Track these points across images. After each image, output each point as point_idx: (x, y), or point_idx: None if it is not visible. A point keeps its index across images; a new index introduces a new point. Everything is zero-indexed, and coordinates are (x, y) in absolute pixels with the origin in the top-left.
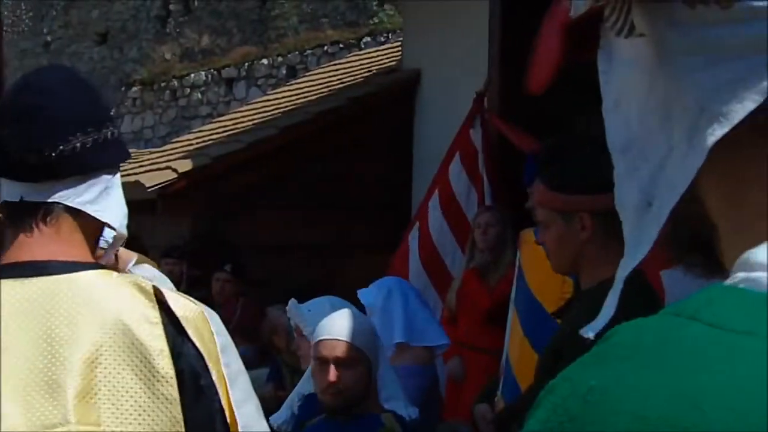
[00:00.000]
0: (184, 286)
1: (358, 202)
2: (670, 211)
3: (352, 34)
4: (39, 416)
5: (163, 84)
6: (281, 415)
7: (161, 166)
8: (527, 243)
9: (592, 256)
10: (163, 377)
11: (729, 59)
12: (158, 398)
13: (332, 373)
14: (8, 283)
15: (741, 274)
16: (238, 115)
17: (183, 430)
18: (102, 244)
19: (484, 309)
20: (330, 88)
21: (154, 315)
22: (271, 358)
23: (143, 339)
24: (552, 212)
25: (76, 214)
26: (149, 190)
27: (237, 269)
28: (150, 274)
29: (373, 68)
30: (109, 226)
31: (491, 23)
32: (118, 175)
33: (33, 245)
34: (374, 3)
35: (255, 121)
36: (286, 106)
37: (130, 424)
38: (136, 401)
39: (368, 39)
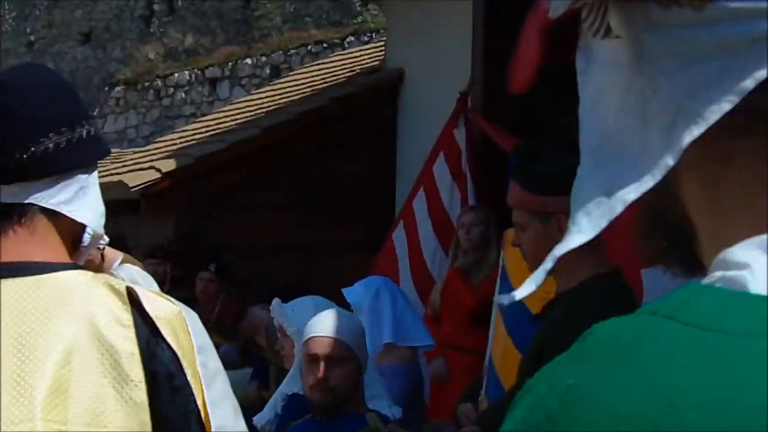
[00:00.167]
0: (168, 286)
1: (341, 202)
2: (627, 204)
3: (335, 33)
4: (8, 415)
5: (146, 84)
6: (265, 415)
7: (144, 166)
8: (511, 243)
9: (570, 257)
10: (132, 381)
11: (704, 60)
12: (127, 402)
13: (322, 370)
14: None
15: (718, 273)
16: (222, 114)
17: None
18: (85, 242)
19: (468, 309)
20: (313, 88)
21: (126, 317)
22: (253, 357)
23: (114, 342)
24: (528, 214)
25: (52, 214)
26: (132, 189)
27: (221, 269)
28: (132, 274)
29: (356, 68)
30: (85, 226)
31: (474, 23)
32: (95, 173)
33: (8, 247)
34: (358, 3)
35: (238, 121)
36: (270, 106)
37: (97, 426)
38: (104, 403)
39: (352, 38)
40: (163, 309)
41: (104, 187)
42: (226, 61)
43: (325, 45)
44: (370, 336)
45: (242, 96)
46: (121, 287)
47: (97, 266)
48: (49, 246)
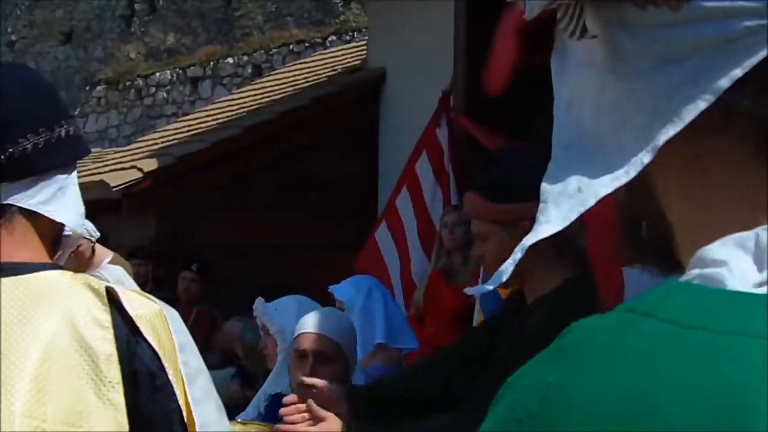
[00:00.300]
0: (150, 285)
1: (323, 201)
2: (599, 198)
3: (317, 33)
4: None
5: (128, 83)
6: (248, 415)
7: (126, 166)
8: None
9: (539, 264)
10: (110, 382)
11: (680, 60)
12: (104, 403)
13: (309, 367)
14: None
15: (695, 271)
16: (203, 114)
17: None
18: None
19: (451, 309)
20: (295, 87)
21: (105, 318)
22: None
23: (92, 343)
24: (491, 224)
25: (30, 215)
26: (114, 189)
27: (203, 269)
28: (119, 275)
29: (338, 67)
30: (64, 226)
31: (456, 22)
32: (74, 173)
33: None
34: (339, 2)
35: (220, 121)
36: (251, 106)
37: (75, 425)
38: (82, 403)
39: (333, 38)
40: (144, 308)
41: (85, 187)
42: (208, 61)
43: (306, 44)
44: (362, 335)
45: (224, 95)
46: (101, 287)
47: (88, 259)
48: (28, 246)
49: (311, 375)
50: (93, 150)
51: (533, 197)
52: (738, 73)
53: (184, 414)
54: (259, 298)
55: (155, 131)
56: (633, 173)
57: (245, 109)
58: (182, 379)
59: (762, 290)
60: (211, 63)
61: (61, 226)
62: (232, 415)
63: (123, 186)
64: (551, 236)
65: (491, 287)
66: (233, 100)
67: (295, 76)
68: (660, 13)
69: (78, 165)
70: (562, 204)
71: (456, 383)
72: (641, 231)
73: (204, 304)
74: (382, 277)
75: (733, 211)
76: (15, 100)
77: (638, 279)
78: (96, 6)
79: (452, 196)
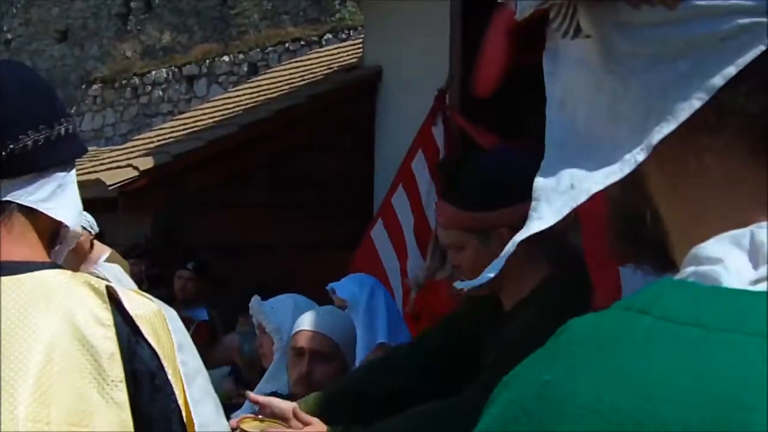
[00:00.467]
0: (146, 285)
1: (319, 199)
2: (591, 194)
3: (313, 31)
4: None
5: (123, 81)
6: (243, 413)
7: (122, 164)
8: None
9: (515, 269)
10: (113, 380)
11: (673, 59)
12: (107, 402)
13: (306, 364)
14: None
15: (690, 269)
16: (199, 112)
17: None
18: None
19: (447, 307)
20: (291, 86)
21: (106, 316)
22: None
23: (94, 341)
24: (464, 233)
25: (29, 212)
26: (110, 188)
27: (199, 267)
28: (116, 273)
29: (334, 65)
30: (63, 224)
31: (452, 20)
32: (73, 171)
33: None
34: (336, 0)
35: (216, 119)
36: (247, 104)
37: (80, 425)
38: (86, 402)
39: (330, 36)
40: (143, 307)
41: (81, 185)
42: (204, 59)
43: (302, 42)
44: (365, 334)
45: (220, 94)
46: (101, 286)
47: (86, 253)
48: (27, 244)
49: (308, 373)
50: (89, 148)
51: (506, 203)
52: (732, 71)
53: (183, 414)
54: (255, 296)
55: (151, 130)
56: (627, 170)
57: (241, 108)
58: (181, 379)
59: (757, 288)
60: (207, 61)
61: (59, 223)
62: (227, 415)
63: (119, 184)
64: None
65: (481, 282)
66: (229, 98)
67: (291, 74)
68: (654, 12)
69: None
70: (554, 200)
71: (415, 380)
72: (634, 229)
73: (200, 304)
74: (378, 276)
75: (728, 209)
76: (14, 97)
77: (632, 278)
78: (92, 4)
79: None
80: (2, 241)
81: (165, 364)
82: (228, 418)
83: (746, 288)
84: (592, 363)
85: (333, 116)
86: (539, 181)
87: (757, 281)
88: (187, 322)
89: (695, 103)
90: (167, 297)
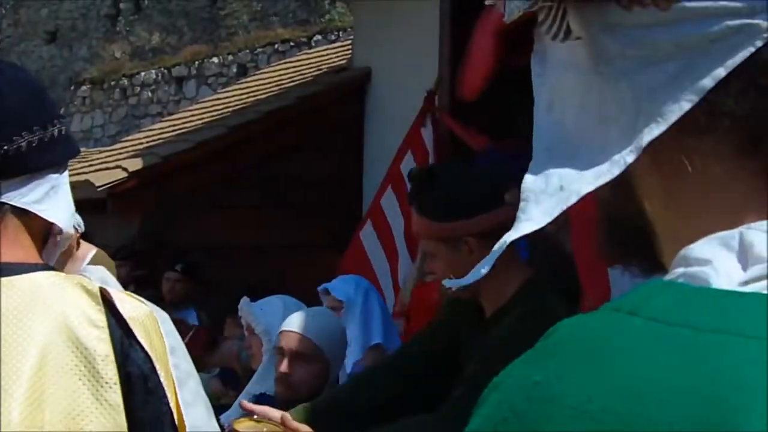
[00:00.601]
0: (133, 286)
1: (308, 201)
2: (581, 196)
3: (302, 32)
4: None
5: (112, 83)
6: (232, 414)
7: (111, 166)
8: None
9: (490, 277)
10: (107, 383)
11: (664, 60)
12: (102, 404)
13: (284, 364)
14: None
15: (679, 270)
16: (188, 114)
17: None
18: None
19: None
20: (280, 87)
21: (100, 318)
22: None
23: (88, 343)
24: (436, 242)
25: (23, 214)
26: (99, 189)
27: (188, 269)
28: (103, 275)
29: (323, 67)
30: (56, 226)
31: (441, 21)
32: (66, 173)
33: None
34: (326, 1)
35: (205, 120)
36: (236, 105)
37: (71, 428)
38: (80, 405)
39: (319, 37)
40: (136, 310)
41: (70, 187)
42: (193, 60)
43: (291, 44)
44: (361, 335)
45: (209, 95)
46: (95, 288)
47: (72, 251)
48: (20, 246)
49: (288, 374)
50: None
51: (471, 213)
52: (721, 72)
53: (175, 417)
54: (245, 297)
55: (140, 131)
56: (616, 172)
57: (230, 109)
58: (173, 382)
59: (746, 289)
60: (196, 62)
61: (50, 225)
62: (215, 416)
63: (108, 186)
64: (490, 245)
65: (469, 281)
66: (218, 99)
67: (280, 75)
68: (645, 13)
69: None
70: (544, 202)
71: (400, 392)
72: (623, 230)
73: (189, 305)
74: (368, 277)
75: (717, 210)
76: (8, 98)
77: (620, 279)
78: (81, 5)
79: None
80: None
81: (157, 366)
82: (216, 419)
83: (735, 289)
84: (581, 364)
85: (322, 117)
86: (527, 183)
87: (746, 282)
88: (177, 324)
89: (685, 104)
90: (155, 299)
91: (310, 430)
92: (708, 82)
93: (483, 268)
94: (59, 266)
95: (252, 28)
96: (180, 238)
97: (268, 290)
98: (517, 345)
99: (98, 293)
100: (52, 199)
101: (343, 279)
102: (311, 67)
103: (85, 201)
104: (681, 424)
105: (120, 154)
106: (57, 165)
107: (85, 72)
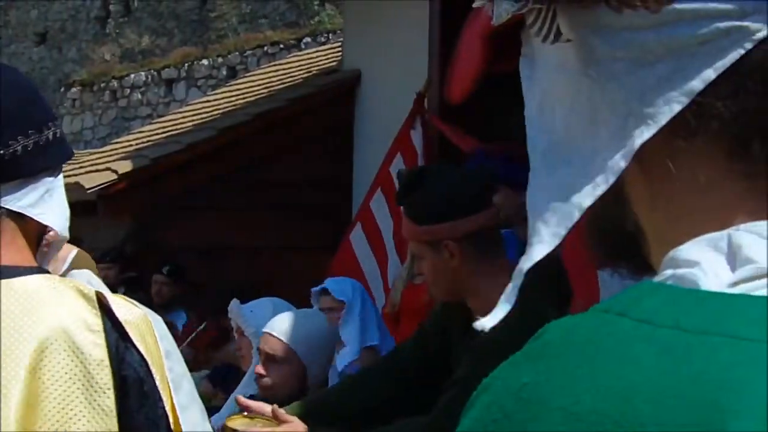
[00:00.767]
0: (123, 289)
1: (298, 203)
2: (584, 210)
3: (292, 34)
4: None
5: (102, 85)
6: (222, 416)
7: (101, 168)
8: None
9: (474, 280)
10: (101, 388)
11: (654, 62)
12: (94, 408)
13: (259, 366)
14: None
15: (668, 271)
16: (178, 116)
17: None
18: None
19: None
20: (270, 89)
21: (96, 322)
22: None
23: (83, 347)
24: (420, 244)
25: (18, 217)
26: (89, 191)
27: (174, 271)
28: (90, 279)
29: (313, 69)
30: (51, 230)
31: (431, 23)
32: (60, 176)
33: None
34: (315, 3)
35: (195, 122)
36: (226, 107)
37: (65, 430)
38: (72, 409)
39: (308, 39)
40: (131, 313)
41: None
42: (183, 62)
43: (281, 46)
44: (359, 336)
45: (198, 97)
46: (90, 292)
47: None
48: (16, 249)
49: (263, 375)
50: None
51: (449, 217)
52: (711, 75)
53: (171, 420)
54: (235, 299)
55: (130, 133)
56: (612, 179)
57: (220, 111)
58: (168, 386)
59: (735, 290)
60: (186, 65)
61: (44, 228)
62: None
63: (98, 188)
64: (470, 250)
65: (497, 320)
66: (208, 101)
67: (269, 78)
68: (635, 16)
69: None
70: (550, 220)
71: (390, 396)
72: (611, 232)
73: (179, 308)
74: (357, 279)
75: (706, 212)
76: (4, 101)
77: (609, 282)
78: (71, 7)
79: None
80: None
81: (153, 370)
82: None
83: (724, 291)
84: (570, 365)
85: (312, 120)
86: (531, 200)
87: (734, 284)
88: (168, 326)
89: (675, 106)
90: (145, 302)
91: (301, 423)
92: (697, 84)
93: (506, 306)
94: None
95: (241, 30)
96: (170, 240)
97: (259, 292)
98: (507, 346)
99: (94, 297)
100: (47, 203)
101: (336, 281)
102: (301, 70)
103: (75, 203)
104: (670, 425)
105: (110, 156)
106: (52, 168)
107: (75, 74)
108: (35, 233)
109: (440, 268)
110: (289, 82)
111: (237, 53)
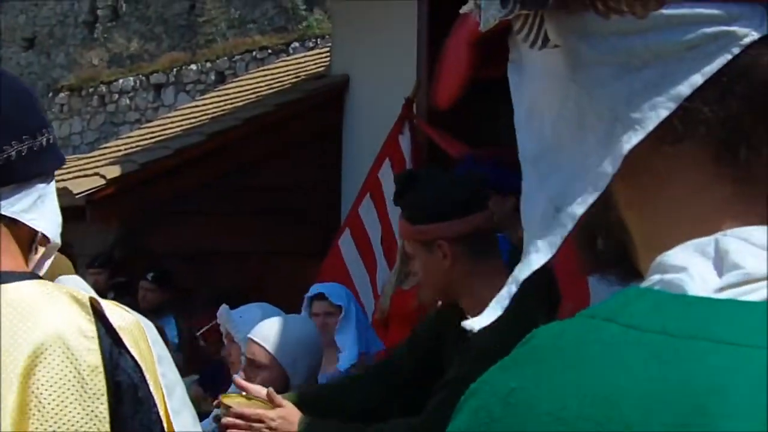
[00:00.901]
0: (112, 294)
1: (286, 208)
2: (577, 218)
3: (280, 39)
4: None
5: (90, 90)
6: (210, 423)
7: (89, 173)
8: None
9: (467, 282)
10: (94, 394)
11: (641, 67)
12: (88, 414)
13: (240, 372)
14: None
15: (656, 277)
16: (167, 121)
17: None
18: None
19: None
20: (258, 94)
21: (90, 328)
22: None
23: (78, 354)
24: (414, 244)
25: (11, 223)
26: (77, 196)
27: (159, 277)
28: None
29: (301, 74)
30: (44, 235)
31: (419, 28)
32: (53, 182)
33: None
34: (304, 8)
35: (183, 127)
36: (215, 112)
37: None
38: (66, 415)
39: (297, 45)
40: (124, 319)
41: None
42: (171, 67)
43: (269, 51)
44: (356, 341)
45: (187, 102)
46: (84, 298)
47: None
48: (10, 255)
49: (246, 379)
50: None
51: (443, 218)
52: (698, 80)
53: (165, 426)
54: (224, 305)
55: (118, 138)
56: (602, 186)
57: (208, 116)
58: (162, 391)
59: (722, 295)
60: (175, 70)
61: (36, 234)
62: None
63: (86, 193)
64: (463, 251)
65: (487, 322)
66: (196, 106)
67: (258, 83)
68: (623, 21)
69: None
70: (545, 230)
71: (383, 399)
72: (599, 238)
73: (168, 313)
74: (346, 285)
75: (693, 217)
76: (2, 106)
77: (598, 287)
78: (59, 12)
79: None
80: None
81: (147, 376)
82: None
83: (710, 296)
84: (557, 370)
85: (300, 125)
86: (525, 210)
87: (721, 289)
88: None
89: (662, 112)
90: (133, 307)
91: (295, 408)
92: (685, 90)
93: (497, 310)
94: None
95: (230, 35)
96: (158, 246)
97: (247, 297)
98: (497, 351)
99: (88, 303)
100: (40, 209)
101: (328, 286)
102: (289, 75)
103: (64, 208)
104: (657, 430)
105: (98, 161)
106: (45, 174)
107: (63, 79)
108: (27, 239)
109: (433, 268)
110: (277, 87)
111: (225, 58)
